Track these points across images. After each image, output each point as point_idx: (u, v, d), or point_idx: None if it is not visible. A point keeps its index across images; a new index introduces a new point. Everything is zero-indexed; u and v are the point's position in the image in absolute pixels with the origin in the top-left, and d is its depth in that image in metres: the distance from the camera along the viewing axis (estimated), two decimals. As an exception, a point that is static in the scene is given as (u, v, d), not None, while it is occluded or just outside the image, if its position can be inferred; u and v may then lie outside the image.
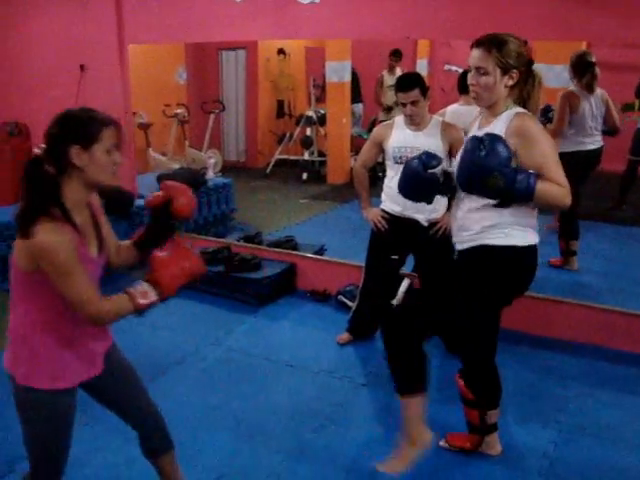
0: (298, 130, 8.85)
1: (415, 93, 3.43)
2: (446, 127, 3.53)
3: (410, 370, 2.61)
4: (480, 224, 2.45)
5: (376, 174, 6.01)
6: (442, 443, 2.91)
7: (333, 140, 8.27)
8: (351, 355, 3.87)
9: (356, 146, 7.87)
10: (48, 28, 5.45)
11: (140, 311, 1.94)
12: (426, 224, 3.58)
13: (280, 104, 9.27)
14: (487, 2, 3.75)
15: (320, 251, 5.16)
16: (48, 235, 1.79)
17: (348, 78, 8.00)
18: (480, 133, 2.38)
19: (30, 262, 1.84)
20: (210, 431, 3.08)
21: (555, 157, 2.33)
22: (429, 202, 2.71)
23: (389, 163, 3.62)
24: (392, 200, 3.59)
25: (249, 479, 2.76)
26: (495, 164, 2.22)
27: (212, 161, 7.03)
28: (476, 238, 2.48)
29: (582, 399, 3.38)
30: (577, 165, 4.50)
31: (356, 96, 8.56)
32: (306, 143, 8.73)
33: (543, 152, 2.32)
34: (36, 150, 1.95)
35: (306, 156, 8.75)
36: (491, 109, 2.46)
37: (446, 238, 3.06)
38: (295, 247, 5.11)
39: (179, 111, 8.14)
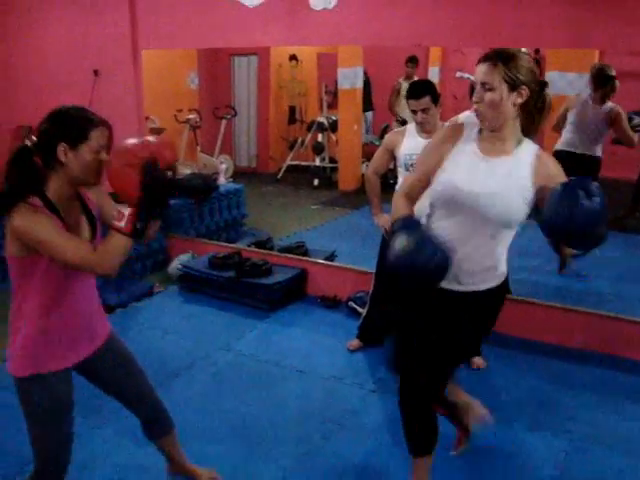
0: (309, 136, 8.86)
1: (426, 100, 3.43)
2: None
3: (425, 432, 2.48)
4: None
5: (387, 181, 6.00)
6: None
7: (344, 146, 8.28)
8: (361, 361, 3.87)
9: (367, 153, 7.88)
10: (63, 34, 5.49)
11: (132, 233, 1.91)
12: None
13: (292, 110, 9.29)
14: (499, 10, 3.75)
15: (331, 257, 5.16)
16: (25, 217, 1.86)
17: (360, 84, 8.01)
18: (487, 164, 2.15)
19: (19, 246, 1.91)
20: (220, 436, 3.08)
21: None
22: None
23: (400, 170, 3.62)
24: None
25: (258, 484, 2.77)
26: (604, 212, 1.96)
27: (223, 166, 7.05)
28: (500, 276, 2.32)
29: (594, 408, 3.36)
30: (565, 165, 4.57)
31: (367, 104, 8.56)
32: (317, 149, 8.74)
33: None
34: (27, 142, 1.98)
35: (317, 162, 8.75)
36: (498, 133, 2.16)
37: None
38: (306, 253, 5.12)
39: (191, 116, 8.16)
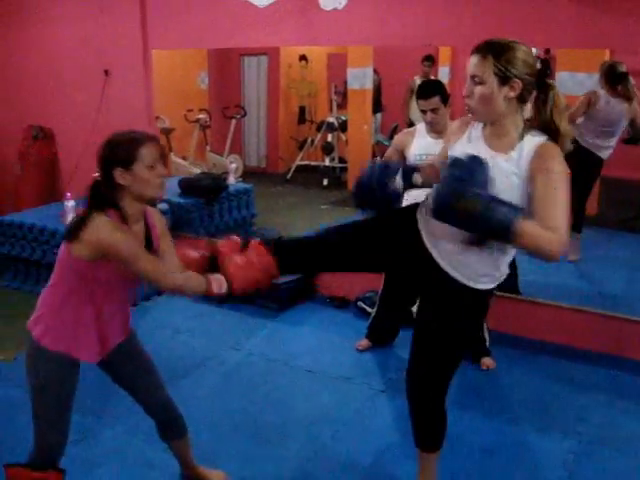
0: (319, 136, 8.86)
1: (435, 100, 3.43)
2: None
3: (436, 427, 2.46)
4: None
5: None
6: None
7: (354, 147, 8.27)
8: (370, 361, 3.87)
9: (377, 153, 7.87)
10: (73, 34, 5.51)
11: (209, 295, 2.18)
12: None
13: (302, 110, 9.29)
14: (509, 10, 3.75)
15: (340, 257, 5.15)
16: (109, 232, 2.01)
17: (370, 85, 7.99)
18: (494, 161, 2.04)
19: (94, 254, 2.04)
20: (229, 435, 3.09)
21: (563, 197, 1.96)
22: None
23: (410, 170, 3.62)
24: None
25: (267, 484, 2.78)
26: (466, 185, 1.88)
27: (233, 166, 7.05)
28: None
29: (603, 410, 3.35)
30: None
31: (377, 105, 8.54)
32: (327, 149, 8.74)
33: (552, 185, 1.96)
34: (95, 174, 2.14)
35: (327, 162, 8.75)
36: (498, 127, 2.08)
37: None
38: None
39: (201, 116, 8.17)
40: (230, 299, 2.26)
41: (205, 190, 5.74)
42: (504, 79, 1.98)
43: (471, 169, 1.91)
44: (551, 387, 3.58)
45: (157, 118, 6.27)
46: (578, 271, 5.06)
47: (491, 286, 2.23)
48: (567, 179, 1.98)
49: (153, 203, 2.23)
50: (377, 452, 2.99)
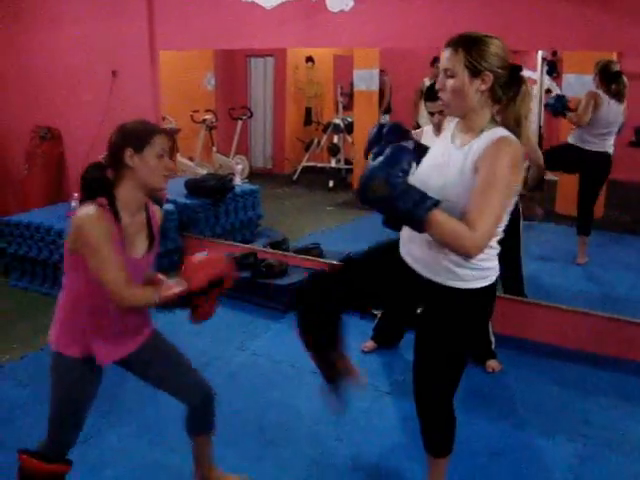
0: (325, 138, 8.87)
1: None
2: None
3: (446, 432, 2.43)
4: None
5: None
6: None
7: (360, 148, 8.26)
8: (375, 363, 3.87)
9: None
10: (81, 34, 5.53)
11: (165, 303, 2.11)
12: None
13: (308, 111, 9.30)
14: (517, 11, 3.75)
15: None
16: (87, 214, 2.01)
17: (376, 86, 8.00)
18: (449, 157, 2.08)
19: (72, 241, 2.06)
20: (234, 436, 3.09)
21: (498, 201, 1.91)
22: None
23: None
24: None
25: (272, 485, 2.78)
26: (384, 169, 1.87)
27: (239, 167, 7.06)
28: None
29: (609, 413, 3.34)
30: (570, 159, 4.93)
31: (385, 107, 8.54)
32: (333, 151, 8.75)
33: (490, 183, 1.92)
34: (100, 157, 2.16)
35: (333, 164, 8.76)
36: (467, 121, 2.09)
37: None
38: (321, 254, 5.12)
39: (207, 117, 8.20)
40: (185, 303, 2.18)
41: (211, 191, 5.75)
42: (475, 72, 2.00)
43: (393, 157, 1.90)
44: (557, 390, 3.57)
45: (164, 119, 6.29)
46: (584, 274, 5.06)
47: (480, 285, 2.16)
48: (508, 184, 1.95)
49: (154, 197, 2.23)
50: (382, 454, 2.99)
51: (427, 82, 7.94)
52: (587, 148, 4.92)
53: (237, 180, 6.35)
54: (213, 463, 2.61)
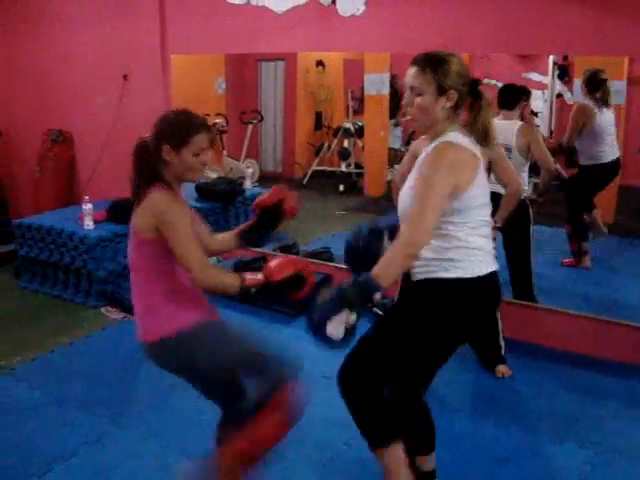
0: (335, 142, 8.88)
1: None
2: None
3: (377, 423, 2.56)
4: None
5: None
6: None
7: (370, 152, 8.28)
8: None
9: (393, 159, 7.89)
10: (92, 38, 5.55)
11: (246, 288, 2.20)
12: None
13: (318, 116, 9.31)
14: (527, 17, 3.73)
15: (355, 263, 5.15)
16: (163, 195, 2.10)
17: (386, 91, 8.00)
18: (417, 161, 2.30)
19: (148, 226, 2.08)
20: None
21: (433, 200, 2.06)
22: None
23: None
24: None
25: (281, 489, 2.77)
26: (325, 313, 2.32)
27: (250, 171, 7.08)
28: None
29: (620, 419, 3.32)
30: (595, 178, 4.92)
31: (396, 111, 8.54)
32: (343, 155, 8.75)
33: (424, 183, 2.10)
34: (145, 135, 2.20)
35: (343, 168, 8.76)
36: (431, 132, 2.24)
37: None
38: (331, 258, 5.12)
39: (218, 121, 8.22)
40: (259, 297, 2.24)
41: (222, 194, 5.77)
42: (441, 90, 2.14)
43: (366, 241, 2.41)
44: (567, 396, 3.55)
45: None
46: (594, 279, 5.04)
47: (447, 275, 2.24)
48: (439, 182, 2.07)
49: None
50: (391, 459, 2.98)
51: None
52: (603, 162, 4.88)
53: (247, 184, 6.37)
54: None
